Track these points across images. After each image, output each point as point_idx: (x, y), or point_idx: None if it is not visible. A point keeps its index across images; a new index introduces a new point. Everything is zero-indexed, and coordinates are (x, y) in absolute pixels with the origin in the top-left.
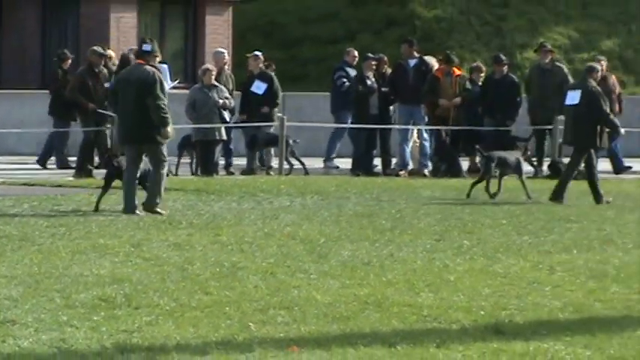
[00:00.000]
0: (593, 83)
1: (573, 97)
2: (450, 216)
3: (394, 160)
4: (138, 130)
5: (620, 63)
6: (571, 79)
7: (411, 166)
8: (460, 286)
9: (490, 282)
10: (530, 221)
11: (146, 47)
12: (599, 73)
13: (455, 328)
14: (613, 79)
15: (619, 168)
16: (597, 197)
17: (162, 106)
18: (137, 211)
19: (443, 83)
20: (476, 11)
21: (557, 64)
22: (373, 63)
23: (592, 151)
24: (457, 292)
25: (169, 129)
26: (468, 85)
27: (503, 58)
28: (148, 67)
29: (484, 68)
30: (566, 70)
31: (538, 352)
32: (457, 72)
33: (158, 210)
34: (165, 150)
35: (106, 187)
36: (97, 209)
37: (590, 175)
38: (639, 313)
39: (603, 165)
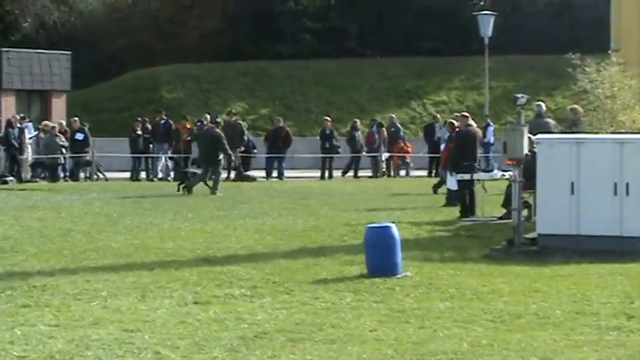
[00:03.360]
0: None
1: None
2: (181, 203)
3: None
4: (209, 159)
5: (269, 122)
6: (246, 130)
7: (160, 176)
8: (187, 237)
9: (203, 235)
10: (224, 203)
11: (218, 119)
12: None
13: (184, 259)
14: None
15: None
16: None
17: (227, 147)
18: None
19: (181, 132)
20: (195, 94)
21: (238, 121)
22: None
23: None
24: (186, 240)
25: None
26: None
27: (210, 117)
28: (217, 129)
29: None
30: (243, 125)
31: (228, 271)
32: (189, 126)
33: (218, 194)
34: (220, 167)
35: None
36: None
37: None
38: (281, 250)
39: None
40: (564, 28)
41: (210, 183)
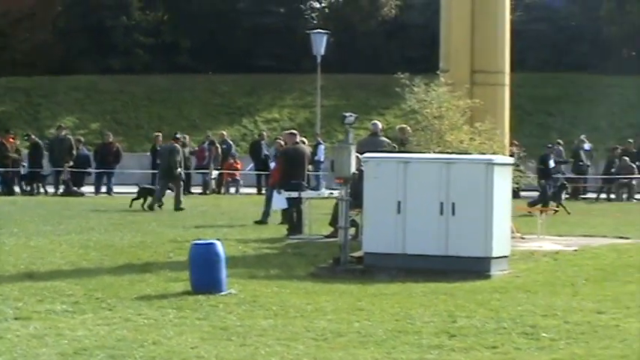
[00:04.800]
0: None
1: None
2: (7, 217)
3: None
4: (169, 174)
5: (99, 137)
6: (81, 145)
7: None
8: (11, 252)
9: (27, 250)
10: (51, 218)
11: (177, 136)
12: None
13: (6, 274)
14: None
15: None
16: None
17: (178, 161)
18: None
19: (7, 146)
20: (25, 108)
21: (68, 136)
22: None
23: None
24: (9, 255)
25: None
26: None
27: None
28: (175, 144)
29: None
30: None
31: (51, 286)
32: (11, 140)
33: (182, 207)
34: (180, 180)
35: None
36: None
37: None
38: (106, 266)
39: None
40: (397, 48)
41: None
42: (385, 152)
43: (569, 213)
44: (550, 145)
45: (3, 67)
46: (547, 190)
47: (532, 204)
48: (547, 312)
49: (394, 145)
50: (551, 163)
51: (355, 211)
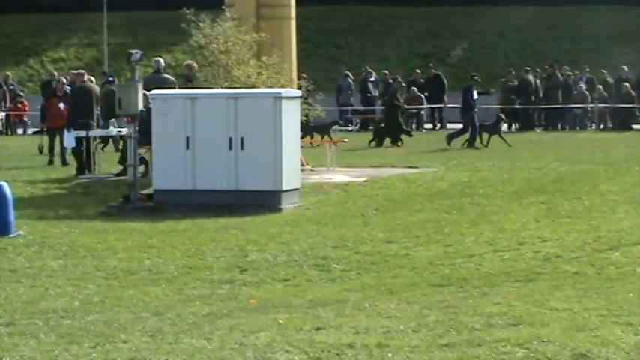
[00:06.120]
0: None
1: None
2: None
3: None
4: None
5: None
6: None
7: None
8: None
9: None
10: None
11: (110, 78)
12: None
13: None
14: None
15: None
16: None
17: None
18: None
19: None
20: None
21: None
22: None
23: None
24: None
25: None
26: None
27: None
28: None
29: None
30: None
31: None
32: None
33: None
34: None
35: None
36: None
37: None
38: None
39: None
40: None
41: None
42: (168, 89)
43: (509, 145)
44: (474, 76)
45: None
46: (475, 122)
47: (453, 136)
48: (338, 243)
49: (174, 80)
50: (475, 94)
51: (144, 148)
